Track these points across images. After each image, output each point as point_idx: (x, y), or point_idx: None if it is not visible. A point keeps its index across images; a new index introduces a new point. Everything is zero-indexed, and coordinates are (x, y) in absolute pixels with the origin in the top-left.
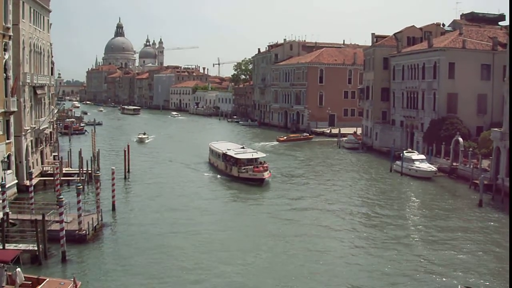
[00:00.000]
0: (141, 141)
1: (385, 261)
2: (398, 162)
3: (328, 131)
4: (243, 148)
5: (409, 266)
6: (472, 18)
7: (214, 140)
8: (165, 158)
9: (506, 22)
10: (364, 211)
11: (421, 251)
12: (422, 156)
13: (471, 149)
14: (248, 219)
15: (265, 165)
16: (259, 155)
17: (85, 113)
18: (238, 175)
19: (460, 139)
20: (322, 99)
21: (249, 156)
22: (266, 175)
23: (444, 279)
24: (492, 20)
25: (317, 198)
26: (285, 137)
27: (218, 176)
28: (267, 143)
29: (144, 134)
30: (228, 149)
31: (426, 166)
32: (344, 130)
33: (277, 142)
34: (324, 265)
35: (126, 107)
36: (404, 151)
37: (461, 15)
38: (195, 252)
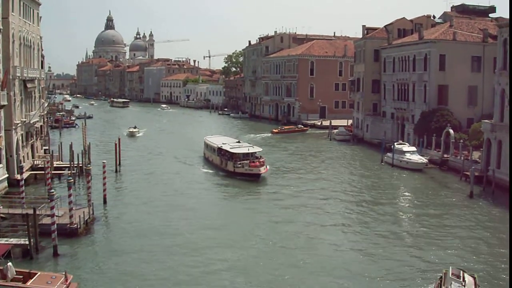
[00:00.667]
0: (132, 135)
1: (376, 251)
2: (389, 154)
3: (319, 123)
4: (238, 142)
5: (399, 255)
6: (463, 10)
7: (205, 133)
8: (157, 152)
9: (496, 14)
10: (356, 203)
11: (412, 242)
12: (413, 148)
13: (461, 140)
14: (241, 215)
15: (261, 160)
16: (256, 149)
17: (77, 107)
18: (234, 170)
19: (451, 131)
20: (313, 91)
21: (245, 150)
22: (262, 170)
23: (435, 266)
24: (483, 12)
25: (309, 191)
26: (279, 129)
27: (211, 171)
28: (260, 135)
29: (135, 128)
30: (223, 143)
31: (417, 158)
32: (335, 122)
33: (271, 134)
34: (317, 255)
35: (115, 100)
36: (395, 143)
37: (452, 7)
38: (187, 245)
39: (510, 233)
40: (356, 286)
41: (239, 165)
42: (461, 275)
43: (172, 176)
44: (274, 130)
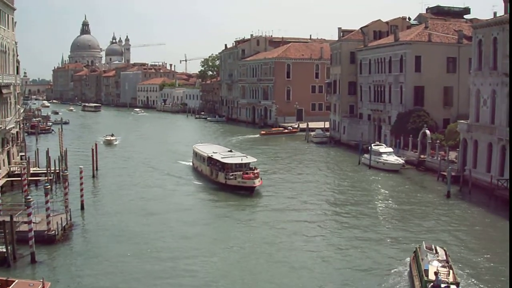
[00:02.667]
0: (108, 143)
1: (353, 252)
2: (366, 155)
3: (296, 126)
4: (230, 151)
5: (376, 254)
6: (438, 12)
7: (184, 139)
8: (136, 161)
9: (471, 16)
10: (333, 205)
11: (390, 242)
12: (390, 149)
13: (438, 141)
14: (222, 222)
15: (256, 171)
16: (250, 159)
17: (56, 113)
18: (225, 182)
19: (427, 132)
20: (290, 94)
21: (237, 160)
22: (257, 182)
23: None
24: (458, 13)
25: (287, 193)
26: (266, 131)
27: (200, 182)
28: (245, 136)
29: (112, 135)
30: (214, 152)
31: (393, 159)
32: (312, 125)
33: (259, 135)
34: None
35: (87, 104)
36: (372, 144)
37: (427, 9)
38: (166, 252)
39: (510, 234)
40: (336, 279)
41: (231, 177)
42: (433, 248)
43: (152, 185)
44: (262, 132)
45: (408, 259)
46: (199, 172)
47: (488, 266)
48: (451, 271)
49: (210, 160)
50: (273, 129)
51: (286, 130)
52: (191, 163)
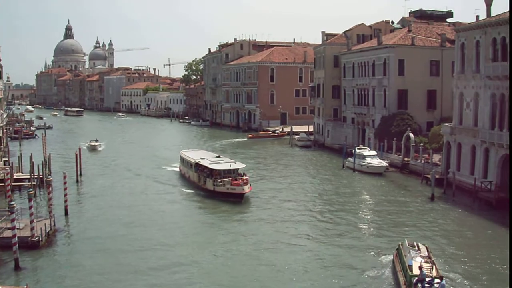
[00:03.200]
0: (93, 148)
1: (338, 251)
2: (350, 159)
3: (280, 130)
4: (218, 157)
5: (360, 253)
6: (421, 15)
7: (170, 145)
8: (122, 167)
9: (454, 19)
10: (318, 209)
11: (374, 242)
12: (374, 152)
13: (422, 144)
14: (206, 228)
15: (245, 178)
16: (238, 165)
17: (41, 118)
18: (214, 189)
19: (411, 135)
20: (274, 98)
21: (226, 166)
22: (246, 189)
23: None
24: (440, 17)
25: (272, 197)
26: (253, 134)
27: (188, 190)
28: (230, 140)
29: (96, 141)
30: (201, 158)
31: (377, 162)
32: (296, 128)
33: (246, 139)
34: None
35: (69, 109)
36: (356, 148)
37: (410, 13)
38: (150, 258)
39: (510, 234)
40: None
41: (220, 183)
42: (415, 244)
43: (138, 192)
44: (249, 135)
45: (390, 256)
46: (187, 178)
47: (471, 265)
48: (434, 266)
49: (198, 166)
50: (261, 132)
51: (273, 134)
52: (177, 169)
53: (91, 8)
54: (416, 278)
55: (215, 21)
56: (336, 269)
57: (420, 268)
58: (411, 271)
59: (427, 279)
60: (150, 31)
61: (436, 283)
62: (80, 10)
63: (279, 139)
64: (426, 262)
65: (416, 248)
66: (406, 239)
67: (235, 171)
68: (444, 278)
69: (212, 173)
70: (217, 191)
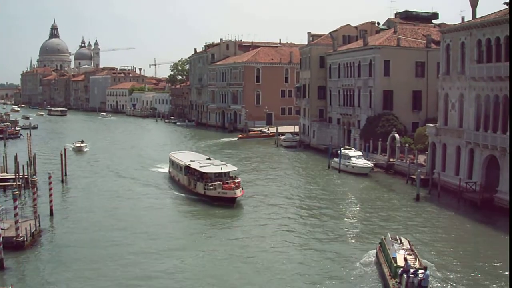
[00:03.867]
0: (79, 150)
1: (324, 247)
2: (335, 159)
3: (266, 130)
4: (209, 159)
5: (345, 249)
6: (406, 17)
7: (157, 145)
8: (108, 169)
9: (439, 20)
10: (303, 209)
11: (359, 239)
12: (359, 153)
13: (407, 145)
14: (186, 225)
15: (236, 181)
16: (229, 168)
17: (27, 118)
18: (204, 193)
19: (397, 135)
20: (259, 98)
21: (217, 169)
22: (238, 193)
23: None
24: (426, 18)
25: (259, 199)
26: (244, 134)
27: (178, 193)
28: (216, 141)
29: (82, 142)
30: (191, 161)
31: (362, 162)
32: (282, 129)
33: (237, 139)
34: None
35: (52, 108)
36: (341, 148)
37: (396, 14)
38: (135, 258)
39: (510, 235)
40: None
41: (211, 187)
42: (398, 238)
43: (124, 195)
44: (240, 135)
45: (374, 250)
46: (176, 181)
47: (455, 262)
48: (417, 258)
49: (188, 169)
50: (251, 132)
51: (263, 134)
52: (164, 170)
53: (77, 7)
54: (401, 269)
55: (201, 21)
56: (322, 265)
57: (405, 259)
58: (396, 262)
59: (411, 270)
60: (136, 31)
61: (421, 273)
62: (65, 10)
63: (270, 139)
64: (409, 254)
65: (399, 242)
66: (389, 233)
67: (226, 174)
68: (428, 268)
69: (203, 176)
70: (208, 195)
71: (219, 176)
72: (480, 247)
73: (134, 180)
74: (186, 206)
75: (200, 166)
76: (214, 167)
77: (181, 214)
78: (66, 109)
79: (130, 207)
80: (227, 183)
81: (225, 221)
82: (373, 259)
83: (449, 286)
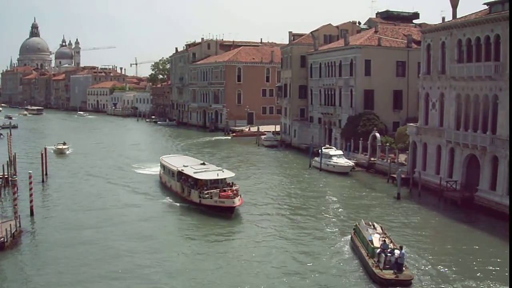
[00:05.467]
0: (60, 152)
1: (303, 240)
2: (316, 158)
3: (247, 129)
4: (203, 164)
5: (323, 241)
6: (387, 17)
7: (139, 144)
8: (94, 173)
9: (420, 20)
10: (284, 207)
11: (338, 234)
12: (340, 152)
13: (388, 144)
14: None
15: (234, 188)
16: (226, 174)
17: (10, 118)
18: (200, 201)
19: (377, 135)
20: (241, 98)
21: (213, 176)
22: (237, 201)
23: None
24: (407, 18)
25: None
26: (238, 132)
27: (169, 199)
28: (196, 140)
29: (64, 144)
30: (184, 166)
31: (343, 162)
32: (263, 128)
33: (231, 137)
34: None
35: (29, 107)
36: (322, 147)
37: (377, 14)
38: (117, 259)
39: (510, 235)
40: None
41: (207, 195)
42: (371, 224)
43: (110, 197)
44: (233, 134)
45: (347, 237)
46: (168, 188)
47: (435, 258)
48: (391, 240)
49: (181, 175)
50: (244, 131)
51: (256, 132)
52: (149, 172)
53: (57, 6)
54: (379, 249)
55: (182, 20)
56: (302, 251)
57: (383, 240)
58: (373, 244)
59: (388, 249)
60: (117, 30)
61: (397, 252)
62: (46, 9)
63: (253, 138)
64: (383, 237)
65: (372, 227)
66: (362, 219)
67: (222, 180)
68: (403, 247)
69: (197, 183)
70: (203, 204)
71: (215, 182)
72: (460, 244)
73: (121, 184)
74: (178, 215)
75: (194, 172)
76: (210, 172)
77: (173, 225)
78: (42, 108)
79: (113, 207)
80: (224, 190)
81: (221, 232)
82: (348, 243)
83: (427, 280)
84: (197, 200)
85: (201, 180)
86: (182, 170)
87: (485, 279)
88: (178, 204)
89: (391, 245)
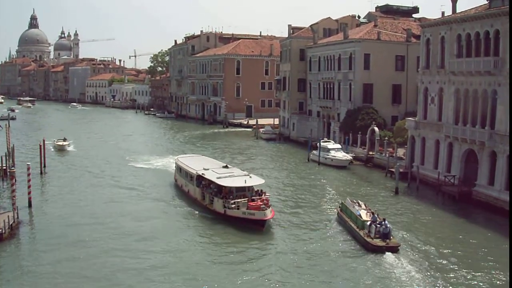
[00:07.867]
0: (60, 148)
1: (298, 249)
2: (315, 152)
3: (246, 122)
4: (226, 167)
5: (326, 253)
6: (387, 11)
7: (139, 136)
8: (99, 172)
9: (419, 15)
10: (283, 201)
11: (338, 236)
12: (338, 145)
13: (386, 138)
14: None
15: (265, 198)
16: (254, 180)
17: (12, 110)
18: (224, 212)
19: (376, 129)
20: (239, 91)
21: (240, 182)
22: (269, 214)
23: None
24: (406, 12)
25: None
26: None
27: (180, 205)
28: (194, 132)
29: (64, 139)
30: (205, 169)
31: (341, 155)
32: (261, 121)
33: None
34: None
35: (22, 98)
36: (321, 141)
37: (376, 7)
38: (114, 250)
39: (510, 235)
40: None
41: (233, 205)
42: (357, 201)
43: (114, 199)
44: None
45: (334, 214)
46: (185, 193)
47: (432, 250)
48: (377, 214)
49: (201, 179)
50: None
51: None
52: (158, 166)
53: None
54: (369, 221)
55: (181, 12)
56: (299, 239)
57: (372, 213)
58: (361, 217)
59: (377, 221)
60: (116, 22)
61: (385, 223)
62: (45, 0)
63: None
64: (369, 212)
65: (358, 204)
66: (348, 198)
67: (250, 188)
68: (385, 219)
69: (221, 191)
70: (229, 215)
71: (241, 190)
72: (457, 238)
73: (121, 180)
74: (197, 227)
75: (218, 177)
76: (236, 178)
77: (193, 237)
78: (34, 99)
79: (114, 201)
80: (253, 200)
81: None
82: (335, 220)
83: (423, 272)
84: (222, 211)
85: (226, 187)
86: (202, 174)
87: (481, 271)
88: (197, 213)
89: (378, 218)
